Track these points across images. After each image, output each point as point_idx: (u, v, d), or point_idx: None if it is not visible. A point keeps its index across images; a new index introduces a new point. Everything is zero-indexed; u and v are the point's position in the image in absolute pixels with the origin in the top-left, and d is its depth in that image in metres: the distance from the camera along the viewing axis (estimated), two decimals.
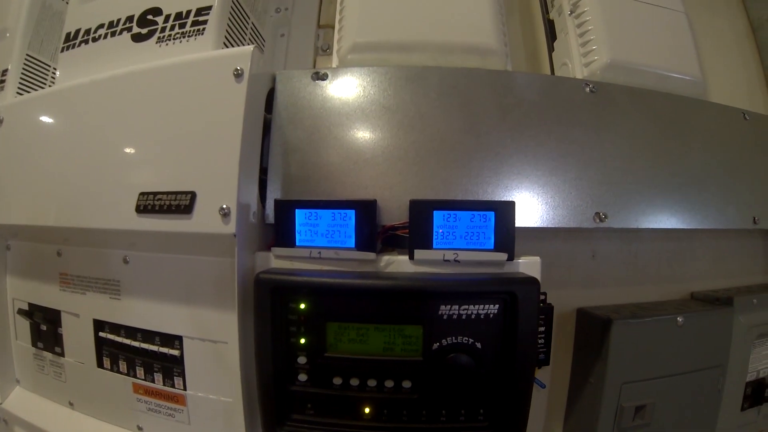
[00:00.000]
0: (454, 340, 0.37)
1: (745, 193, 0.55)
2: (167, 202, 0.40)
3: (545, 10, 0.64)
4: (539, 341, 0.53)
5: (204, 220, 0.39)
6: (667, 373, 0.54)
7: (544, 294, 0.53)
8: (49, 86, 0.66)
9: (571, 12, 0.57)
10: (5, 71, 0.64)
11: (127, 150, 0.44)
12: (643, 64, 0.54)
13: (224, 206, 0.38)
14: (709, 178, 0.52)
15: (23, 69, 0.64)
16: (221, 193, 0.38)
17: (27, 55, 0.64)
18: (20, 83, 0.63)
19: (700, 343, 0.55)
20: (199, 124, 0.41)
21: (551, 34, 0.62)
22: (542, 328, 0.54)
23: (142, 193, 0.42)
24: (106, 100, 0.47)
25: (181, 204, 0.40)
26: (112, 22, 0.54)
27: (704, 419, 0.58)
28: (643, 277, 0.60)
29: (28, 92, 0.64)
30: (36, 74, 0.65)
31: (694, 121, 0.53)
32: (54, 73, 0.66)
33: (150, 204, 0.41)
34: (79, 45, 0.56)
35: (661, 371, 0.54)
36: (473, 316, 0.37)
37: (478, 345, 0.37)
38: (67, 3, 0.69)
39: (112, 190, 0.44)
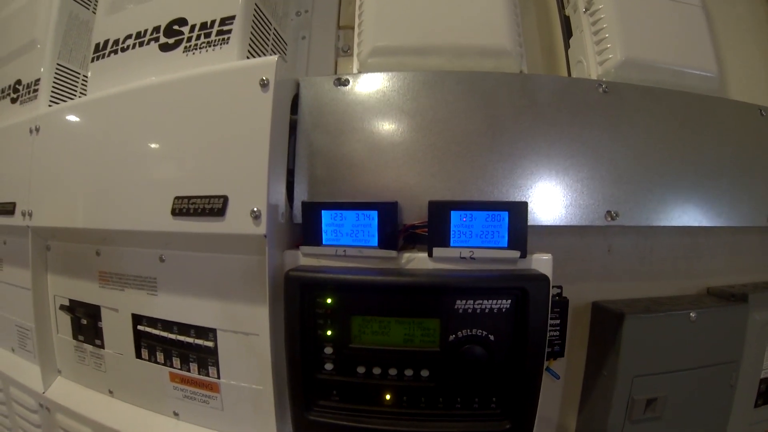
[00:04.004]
0: (469, 333, 0.41)
1: (760, 190, 0.57)
2: (201, 206, 0.45)
3: (561, 6, 0.66)
4: (554, 333, 0.57)
5: (236, 222, 0.43)
6: (679, 367, 0.57)
7: (560, 287, 0.57)
8: (80, 93, 0.71)
9: (586, 9, 0.59)
10: (38, 81, 0.70)
11: (162, 156, 0.49)
12: (658, 60, 0.56)
13: (255, 209, 0.42)
14: (723, 176, 0.55)
15: (55, 77, 0.69)
16: (252, 196, 0.43)
17: (57, 64, 0.70)
18: (52, 91, 0.69)
19: (714, 338, 0.58)
20: (229, 131, 0.45)
21: (567, 31, 0.64)
22: (557, 321, 0.57)
23: (177, 197, 0.47)
24: (140, 108, 0.51)
25: (214, 207, 0.44)
26: (140, 32, 0.58)
27: (716, 414, 0.60)
28: (659, 272, 0.62)
29: (61, 99, 0.69)
30: (67, 82, 0.71)
31: (707, 119, 0.55)
32: (84, 80, 0.72)
33: (185, 207, 0.46)
34: (108, 55, 0.61)
35: (673, 366, 0.56)
36: (487, 311, 0.41)
37: (491, 338, 0.41)
38: (94, 13, 0.74)
39: (148, 194, 0.49)
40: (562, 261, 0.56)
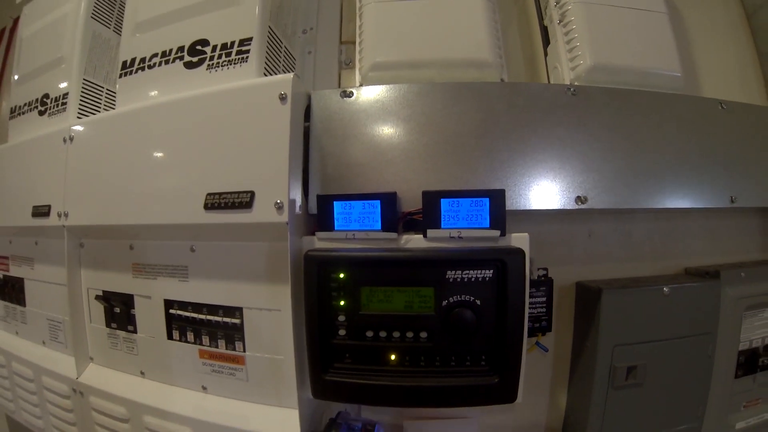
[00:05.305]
0: (459, 298, 0.55)
1: (722, 174, 0.71)
2: (231, 200, 0.59)
3: (540, 17, 0.81)
4: (541, 310, 0.71)
5: (262, 212, 0.57)
6: (656, 338, 0.70)
7: (546, 269, 0.71)
8: (105, 106, 0.87)
9: (560, 21, 0.74)
10: (66, 94, 0.85)
11: (194, 160, 0.63)
12: (624, 64, 0.71)
13: (278, 201, 0.56)
14: (685, 163, 0.68)
15: (82, 91, 0.84)
16: (275, 191, 0.56)
17: (84, 79, 0.85)
18: (80, 104, 0.84)
19: (688, 312, 0.70)
20: (253, 136, 0.59)
21: (546, 40, 0.79)
22: (543, 299, 0.71)
23: (209, 194, 0.61)
24: (174, 119, 0.66)
25: (243, 201, 0.58)
26: (165, 51, 0.73)
27: (697, 382, 0.72)
28: (638, 254, 0.76)
29: (88, 111, 0.84)
30: (92, 95, 0.86)
31: (670, 114, 0.69)
32: (108, 93, 0.87)
33: (216, 202, 0.60)
34: (135, 72, 0.76)
35: (650, 336, 0.69)
36: (473, 279, 0.55)
37: (478, 302, 0.55)
38: (114, 31, 0.90)
39: (182, 193, 0.63)
40: (547, 245, 0.70)
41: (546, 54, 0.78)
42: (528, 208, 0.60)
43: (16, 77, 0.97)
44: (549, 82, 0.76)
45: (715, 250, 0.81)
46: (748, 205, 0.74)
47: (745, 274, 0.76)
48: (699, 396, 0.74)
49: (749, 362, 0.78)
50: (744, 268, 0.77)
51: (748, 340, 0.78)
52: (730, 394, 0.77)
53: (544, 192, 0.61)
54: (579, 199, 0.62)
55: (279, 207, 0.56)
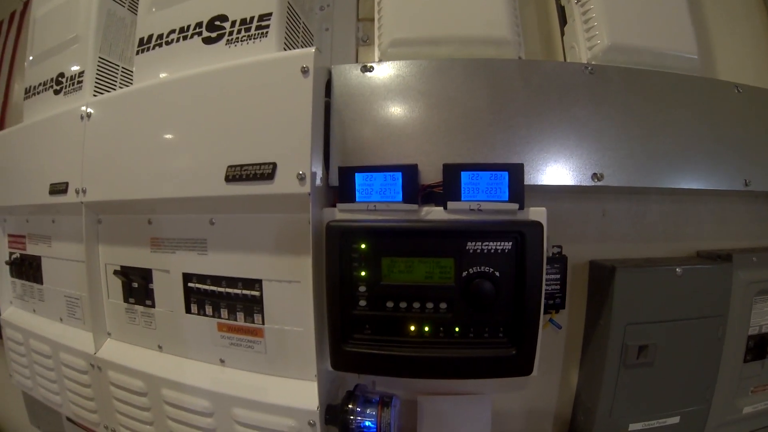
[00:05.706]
0: (479, 269, 0.56)
1: (736, 157, 0.72)
2: (253, 171, 0.60)
3: None
4: (555, 287, 0.72)
5: (284, 183, 0.58)
6: (667, 318, 0.71)
7: (560, 247, 0.72)
8: (120, 83, 0.88)
9: (578, 0, 0.75)
10: (82, 73, 0.86)
11: (214, 133, 0.65)
12: (641, 44, 0.72)
13: (301, 172, 0.57)
14: (700, 144, 0.70)
15: (97, 69, 0.86)
16: (297, 162, 0.58)
17: (99, 57, 0.86)
18: (96, 82, 0.85)
19: (700, 293, 0.72)
20: (276, 110, 0.60)
21: (563, 19, 0.80)
22: (557, 276, 0.73)
23: (230, 166, 0.62)
24: (195, 92, 0.67)
25: (264, 172, 0.60)
26: (183, 27, 0.74)
27: (706, 364, 0.74)
28: (651, 236, 0.78)
29: (103, 89, 0.86)
30: (108, 73, 0.87)
31: (685, 95, 0.70)
32: (124, 71, 0.88)
33: (237, 174, 0.62)
34: (153, 48, 0.77)
35: (662, 316, 0.71)
36: (493, 251, 0.56)
37: (497, 273, 0.57)
38: (129, 10, 0.91)
39: (202, 166, 0.64)
40: (561, 223, 0.72)
41: (563, 33, 0.79)
42: (545, 183, 0.62)
43: (30, 58, 0.98)
44: (565, 61, 0.77)
45: (727, 234, 0.83)
46: (762, 188, 0.75)
47: (757, 259, 0.77)
48: (708, 378, 0.75)
49: (758, 347, 0.80)
50: (756, 253, 0.78)
51: (758, 325, 0.79)
52: (739, 379, 0.78)
53: (561, 168, 0.63)
54: (595, 176, 0.63)
55: (301, 178, 0.57)
